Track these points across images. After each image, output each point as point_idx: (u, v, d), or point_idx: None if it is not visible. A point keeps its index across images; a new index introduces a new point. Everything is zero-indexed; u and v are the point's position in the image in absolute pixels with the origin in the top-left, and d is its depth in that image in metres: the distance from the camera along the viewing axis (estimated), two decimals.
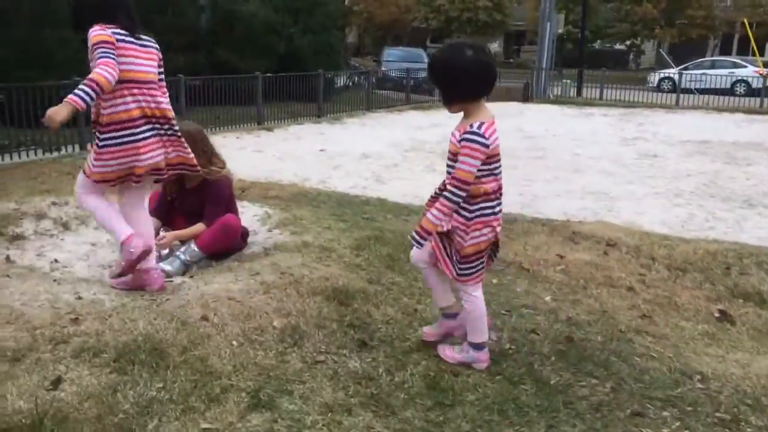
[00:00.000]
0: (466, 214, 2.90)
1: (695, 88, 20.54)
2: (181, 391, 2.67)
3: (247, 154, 10.41)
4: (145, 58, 3.37)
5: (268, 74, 13.80)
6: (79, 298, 3.28)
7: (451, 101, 2.92)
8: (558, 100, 19.97)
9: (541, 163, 10.41)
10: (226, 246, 4.12)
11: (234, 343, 3.04)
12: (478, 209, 2.90)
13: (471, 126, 2.81)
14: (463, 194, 2.83)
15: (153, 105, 3.37)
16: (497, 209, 2.96)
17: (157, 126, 3.39)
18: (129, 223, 3.47)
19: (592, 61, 26.67)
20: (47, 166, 8.53)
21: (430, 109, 17.29)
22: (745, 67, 25.37)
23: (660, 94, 20.20)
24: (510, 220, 6.14)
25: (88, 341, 2.93)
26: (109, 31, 3.26)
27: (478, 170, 2.82)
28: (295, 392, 2.76)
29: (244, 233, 4.33)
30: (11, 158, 9.31)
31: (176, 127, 3.47)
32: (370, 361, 3.04)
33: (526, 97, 19.01)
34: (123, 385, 2.68)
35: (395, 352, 3.15)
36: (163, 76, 3.49)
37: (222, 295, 3.40)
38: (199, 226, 4.08)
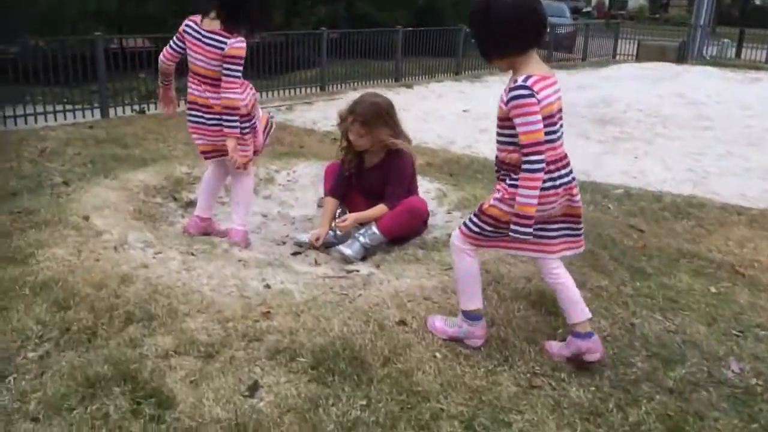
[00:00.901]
0: (512, 182, 2.58)
1: None
2: (387, 414, 2.36)
3: None
4: (201, 53, 3.59)
5: (409, 28, 13.31)
6: (268, 286, 3.05)
7: (488, 54, 2.60)
8: (716, 62, 18.20)
9: (709, 135, 9.40)
10: (409, 230, 3.78)
11: (437, 355, 2.69)
12: None
13: (515, 81, 2.48)
14: (542, 157, 2.48)
15: (196, 93, 3.66)
16: (558, 182, 2.59)
17: (199, 114, 3.68)
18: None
19: (755, 19, 24.05)
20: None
21: (573, 68, 16.25)
22: None
23: None
24: (697, 204, 5.48)
25: (282, 341, 2.68)
26: (185, 22, 3.68)
27: None
28: (514, 425, 2.38)
29: (425, 216, 3.98)
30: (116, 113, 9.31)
31: (216, 117, 3.63)
32: (594, 390, 2.61)
33: (681, 57, 17.42)
34: (324, 399, 2.41)
35: (620, 380, 2.69)
36: (227, 70, 3.53)
37: (416, 293, 3.07)
38: (381, 208, 3.76)
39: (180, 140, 6.79)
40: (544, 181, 2.52)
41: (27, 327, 2.76)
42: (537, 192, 2.49)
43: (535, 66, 2.55)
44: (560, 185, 2.59)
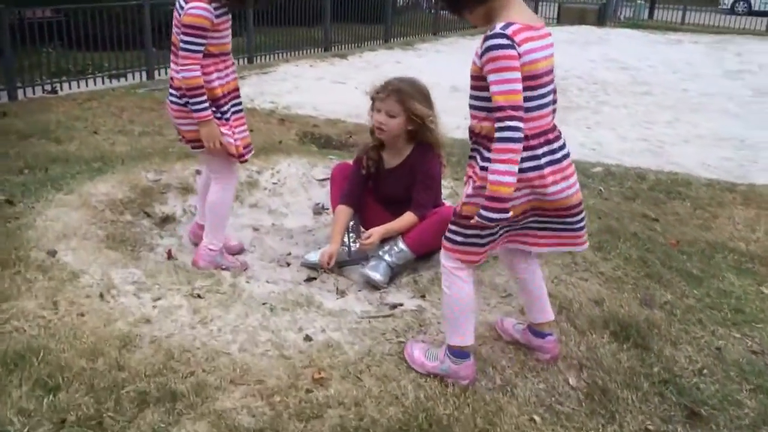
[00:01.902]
0: (484, 163, 2.11)
1: None
2: None
3: (327, 85, 9.44)
4: (175, 17, 3.02)
5: None
6: (308, 338, 2.47)
7: (458, 4, 2.17)
8: (634, 24, 18.46)
9: (651, 101, 9.38)
10: (438, 245, 3.27)
11: (536, 419, 2.23)
12: None
13: (492, 29, 2.01)
14: (519, 124, 1.99)
15: (172, 66, 3.05)
16: (543, 160, 2.12)
17: (176, 93, 3.05)
18: None
19: None
20: (124, 99, 7.64)
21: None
22: None
23: (750, 18, 18.55)
24: (682, 182, 5.32)
25: (348, 416, 2.14)
26: None
27: None
28: None
29: None
30: (78, 86, 8.40)
31: (180, 98, 3.01)
32: None
33: (601, 19, 17.52)
34: None
35: (737, 426, 2.34)
36: (182, 42, 2.90)
37: (484, 332, 2.59)
38: (409, 219, 3.16)
39: (112, 129, 5.96)
40: (524, 159, 2.05)
41: (5, 421, 2.08)
42: (514, 168, 2.00)
43: (518, 12, 2.08)
44: (546, 164, 2.12)
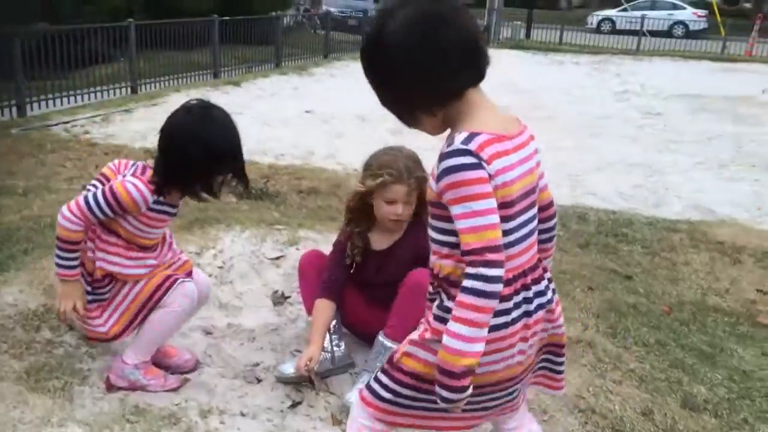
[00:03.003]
0: (441, 312, 1.56)
1: (646, 30, 20.07)
2: None
3: None
4: None
5: (225, 17, 11.80)
6: None
7: (402, 114, 1.58)
8: (516, 44, 18.95)
9: (553, 126, 9.40)
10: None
11: None
12: None
13: (450, 143, 1.49)
14: (499, 271, 1.44)
15: None
16: (522, 310, 1.57)
17: None
18: None
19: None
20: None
21: None
22: (684, 8, 25.28)
23: (621, 38, 19.59)
24: (624, 222, 5.22)
25: None
26: None
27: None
28: None
29: None
30: None
31: None
32: None
33: (487, 41, 17.80)
34: None
35: None
36: (88, 187, 2.35)
37: None
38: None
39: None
40: (497, 313, 1.50)
41: None
42: (482, 332, 1.45)
43: (486, 117, 1.53)
44: (523, 315, 1.57)
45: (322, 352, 2.61)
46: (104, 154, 6.35)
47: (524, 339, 1.58)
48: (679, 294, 3.96)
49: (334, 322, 2.70)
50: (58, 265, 2.24)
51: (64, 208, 2.21)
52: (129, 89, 9.88)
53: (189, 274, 2.49)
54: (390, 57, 1.48)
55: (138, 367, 2.42)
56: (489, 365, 1.55)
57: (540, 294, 1.61)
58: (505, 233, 1.49)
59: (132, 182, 2.22)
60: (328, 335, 2.67)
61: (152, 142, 6.98)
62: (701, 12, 24.29)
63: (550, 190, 1.75)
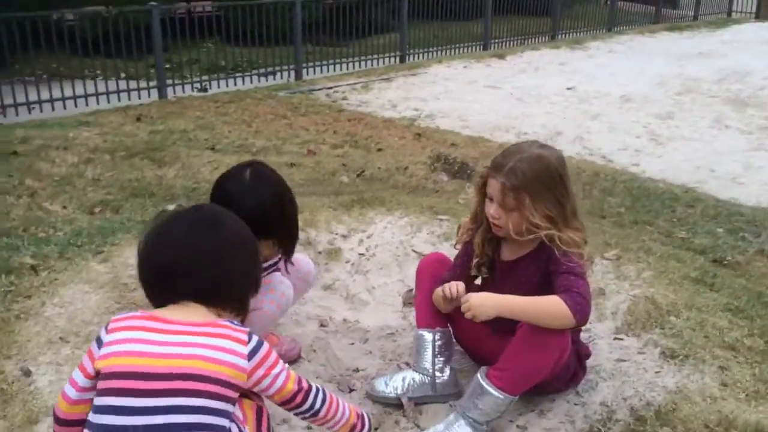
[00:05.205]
0: None
1: None
2: None
3: (480, 90, 8.65)
4: None
5: None
6: None
7: None
8: None
9: None
10: (546, 374, 2.13)
11: None
12: None
13: None
14: None
15: None
16: None
17: None
18: None
19: None
20: (262, 103, 7.40)
21: (687, 28, 14.21)
22: None
23: None
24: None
25: None
26: None
27: None
28: None
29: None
30: (227, 84, 8.32)
31: None
32: None
33: None
34: None
35: None
36: None
37: None
38: (554, 301, 2.01)
39: (232, 144, 5.63)
40: None
41: None
42: None
43: None
44: None
45: (422, 375, 2.35)
46: (347, 121, 6.74)
47: None
48: None
49: (440, 342, 2.38)
50: None
51: None
52: (398, 58, 10.32)
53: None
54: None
55: None
56: None
57: None
58: None
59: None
60: (431, 357, 2.36)
61: (399, 111, 7.30)
62: None
63: None
